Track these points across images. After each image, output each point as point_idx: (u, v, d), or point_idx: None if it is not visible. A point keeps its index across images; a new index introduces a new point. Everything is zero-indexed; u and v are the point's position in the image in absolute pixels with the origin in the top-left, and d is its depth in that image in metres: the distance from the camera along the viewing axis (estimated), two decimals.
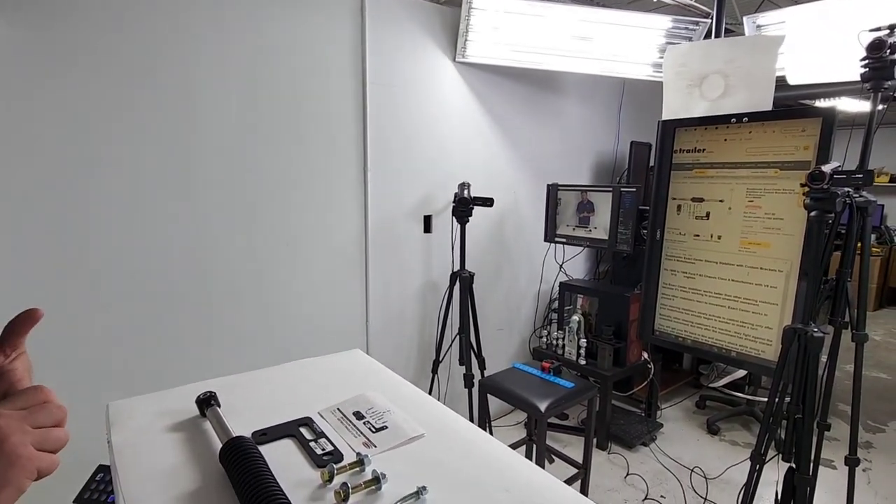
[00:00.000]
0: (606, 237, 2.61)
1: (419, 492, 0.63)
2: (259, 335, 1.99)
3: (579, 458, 2.17)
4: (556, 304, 3.14)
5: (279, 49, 1.91)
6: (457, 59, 2.49)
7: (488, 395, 2.16)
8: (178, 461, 0.73)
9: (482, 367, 2.54)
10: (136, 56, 1.59)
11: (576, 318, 2.75)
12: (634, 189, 2.52)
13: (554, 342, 2.87)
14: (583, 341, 2.71)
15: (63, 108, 1.48)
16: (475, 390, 2.38)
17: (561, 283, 2.99)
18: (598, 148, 3.43)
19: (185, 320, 1.79)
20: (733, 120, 2.01)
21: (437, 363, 2.49)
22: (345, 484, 0.62)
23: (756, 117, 1.96)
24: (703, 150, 2.11)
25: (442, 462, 0.72)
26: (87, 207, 1.55)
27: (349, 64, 2.12)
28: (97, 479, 0.87)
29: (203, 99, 1.75)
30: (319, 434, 0.79)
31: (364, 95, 2.17)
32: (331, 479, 0.65)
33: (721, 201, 2.07)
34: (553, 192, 2.83)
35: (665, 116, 2.29)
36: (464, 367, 2.46)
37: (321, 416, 0.85)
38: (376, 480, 0.64)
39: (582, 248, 3.05)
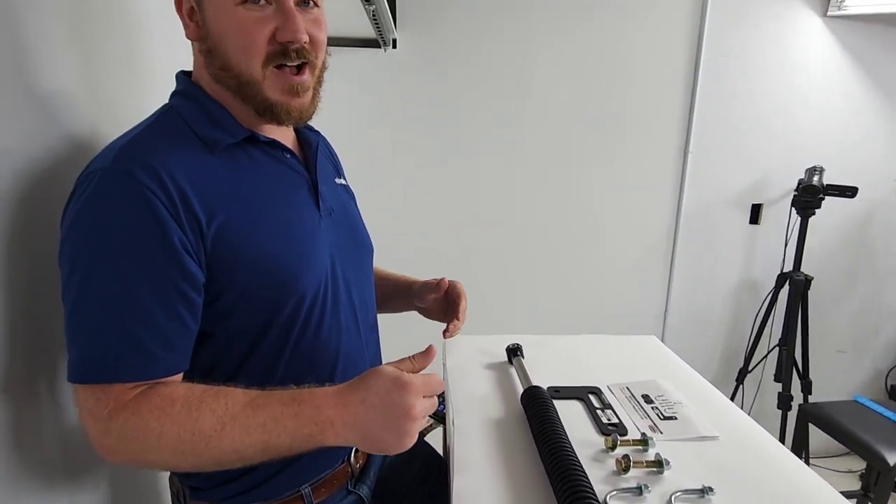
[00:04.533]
0: None
1: (704, 490, 0.61)
2: (557, 305, 2.15)
3: None
4: None
5: (611, 27, 1.95)
6: (828, 14, 2.01)
7: (810, 426, 1.79)
8: (489, 392, 0.90)
9: (806, 390, 2.10)
10: (484, 57, 1.92)
11: None
12: None
13: None
14: None
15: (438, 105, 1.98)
16: (792, 415, 1.99)
17: None
18: None
19: (501, 282, 2.10)
20: None
21: (744, 372, 2.18)
22: (627, 456, 0.66)
23: None
24: None
25: (735, 470, 0.67)
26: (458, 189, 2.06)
27: (681, 36, 1.98)
28: None
29: (535, 83, 1.96)
30: (606, 405, 0.84)
31: (696, 69, 2.00)
32: (613, 448, 0.70)
33: None
34: None
35: None
36: (780, 385, 2.08)
37: (609, 389, 0.90)
38: (659, 464, 0.65)
39: None
